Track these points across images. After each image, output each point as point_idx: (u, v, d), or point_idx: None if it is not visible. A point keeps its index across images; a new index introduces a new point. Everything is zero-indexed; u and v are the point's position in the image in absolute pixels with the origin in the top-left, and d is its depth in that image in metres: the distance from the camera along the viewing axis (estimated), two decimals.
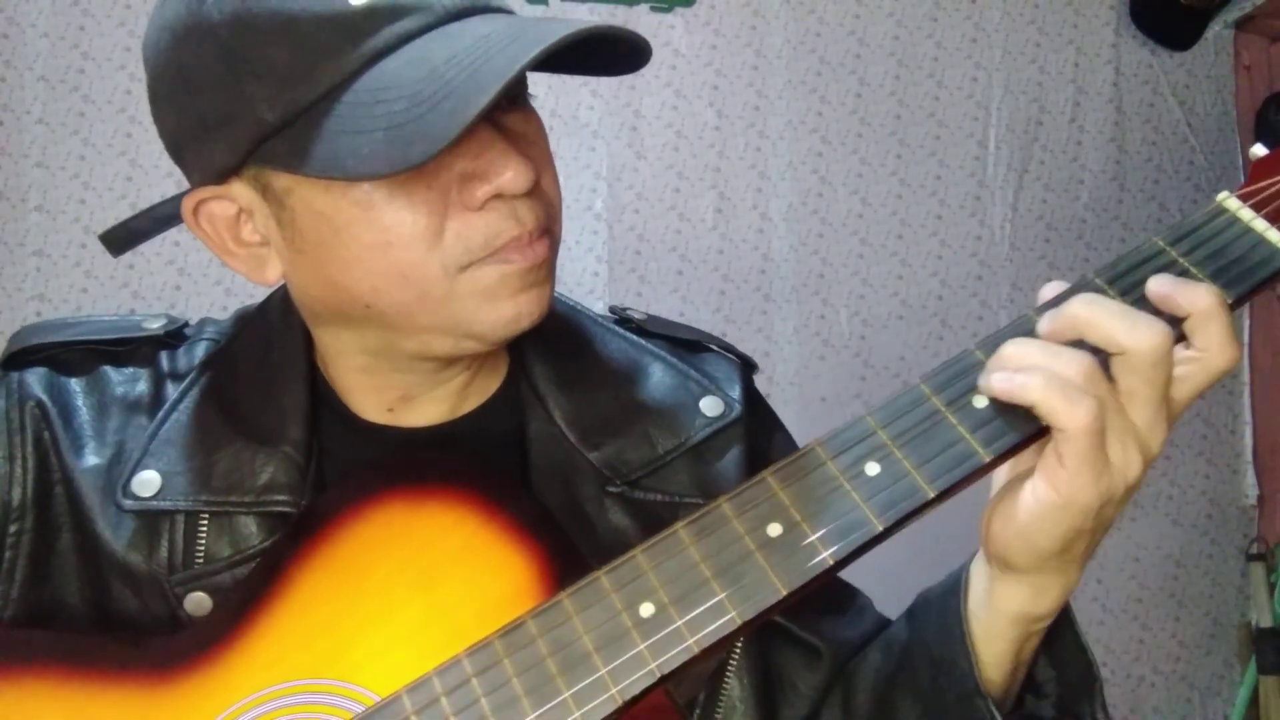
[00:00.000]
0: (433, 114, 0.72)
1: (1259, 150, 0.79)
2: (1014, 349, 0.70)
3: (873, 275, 3.04)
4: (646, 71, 2.80)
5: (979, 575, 0.82)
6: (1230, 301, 0.72)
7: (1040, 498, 0.70)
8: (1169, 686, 3.13)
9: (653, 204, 2.94)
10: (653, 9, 2.95)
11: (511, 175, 0.79)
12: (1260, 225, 0.74)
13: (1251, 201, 0.75)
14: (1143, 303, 0.72)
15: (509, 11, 0.84)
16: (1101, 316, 0.69)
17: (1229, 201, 0.76)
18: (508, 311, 0.84)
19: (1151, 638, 3.13)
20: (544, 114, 2.73)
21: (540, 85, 3.03)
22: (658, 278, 2.93)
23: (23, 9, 2.65)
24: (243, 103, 0.77)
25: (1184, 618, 3.15)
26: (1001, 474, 0.77)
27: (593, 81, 2.87)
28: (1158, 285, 0.71)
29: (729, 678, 0.95)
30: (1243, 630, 3.15)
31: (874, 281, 3.04)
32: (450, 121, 0.71)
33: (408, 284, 0.81)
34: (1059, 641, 0.85)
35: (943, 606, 0.85)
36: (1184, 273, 0.73)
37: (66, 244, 2.64)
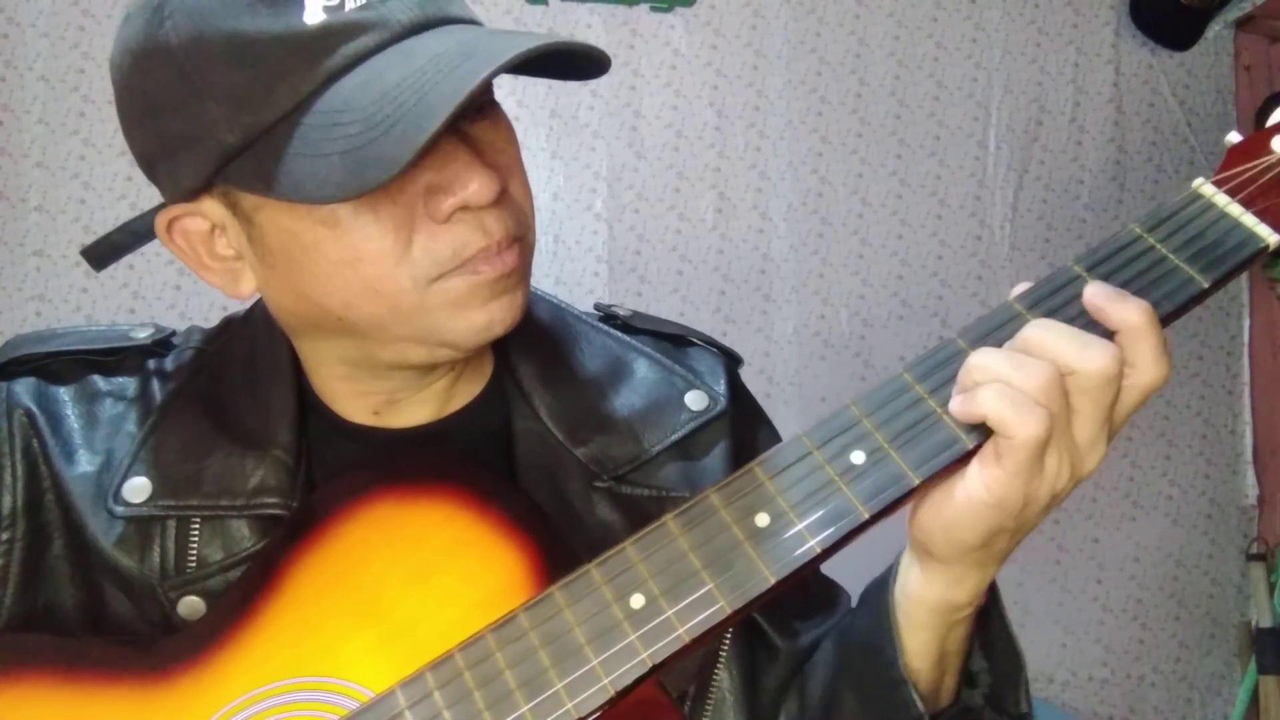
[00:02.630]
0: (385, 139, 0.72)
1: (1234, 137, 0.80)
2: (978, 359, 0.71)
3: (873, 275, 3.04)
4: (646, 71, 2.80)
5: (905, 565, 0.83)
6: (1207, 286, 0.73)
7: (970, 493, 0.71)
8: (1169, 686, 3.13)
9: (653, 204, 2.94)
10: (653, 9, 2.95)
11: (476, 187, 0.79)
12: (1235, 210, 0.75)
13: (1227, 187, 0.76)
14: (1127, 289, 0.73)
15: (470, 20, 0.83)
16: (1053, 340, 0.70)
17: (1204, 188, 0.77)
18: (479, 320, 0.84)
19: (1151, 638, 3.13)
20: (544, 114, 2.72)
21: (540, 84, 3.02)
22: (658, 278, 2.93)
23: (23, 9, 2.65)
24: (204, 125, 0.77)
25: (1184, 618, 3.15)
26: None
27: (592, 81, 2.87)
28: (1092, 295, 0.72)
29: (719, 669, 0.96)
30: (1243, 630, 3.15)
31: (874, 281, 3.04)
32: (401, 147, 0.71)
33: (378, 298, 0.82)
34: (990, 632, 0.87)
35: (876, 595, 0.86)
36: (1161, 259, 0.74)
37: (66, 244, 2.64)
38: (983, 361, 0.70)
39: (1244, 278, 3.24)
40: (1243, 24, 3.22)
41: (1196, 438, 3.19)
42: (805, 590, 1.02)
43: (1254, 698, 2.96)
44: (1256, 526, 3.21)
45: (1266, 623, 3.03)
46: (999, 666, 0.87)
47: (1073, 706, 3.05)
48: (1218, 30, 3.21)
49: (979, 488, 0.71)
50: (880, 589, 0.86)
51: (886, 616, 0.83)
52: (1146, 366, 0.70)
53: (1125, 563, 3.13)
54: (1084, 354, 0.69)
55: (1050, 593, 3.08)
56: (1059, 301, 0.73)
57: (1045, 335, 0.70)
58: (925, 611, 0.80)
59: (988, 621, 0.86)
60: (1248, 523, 3.22)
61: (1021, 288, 0.76)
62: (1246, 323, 3.24)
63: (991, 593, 0.84)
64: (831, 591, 1.05)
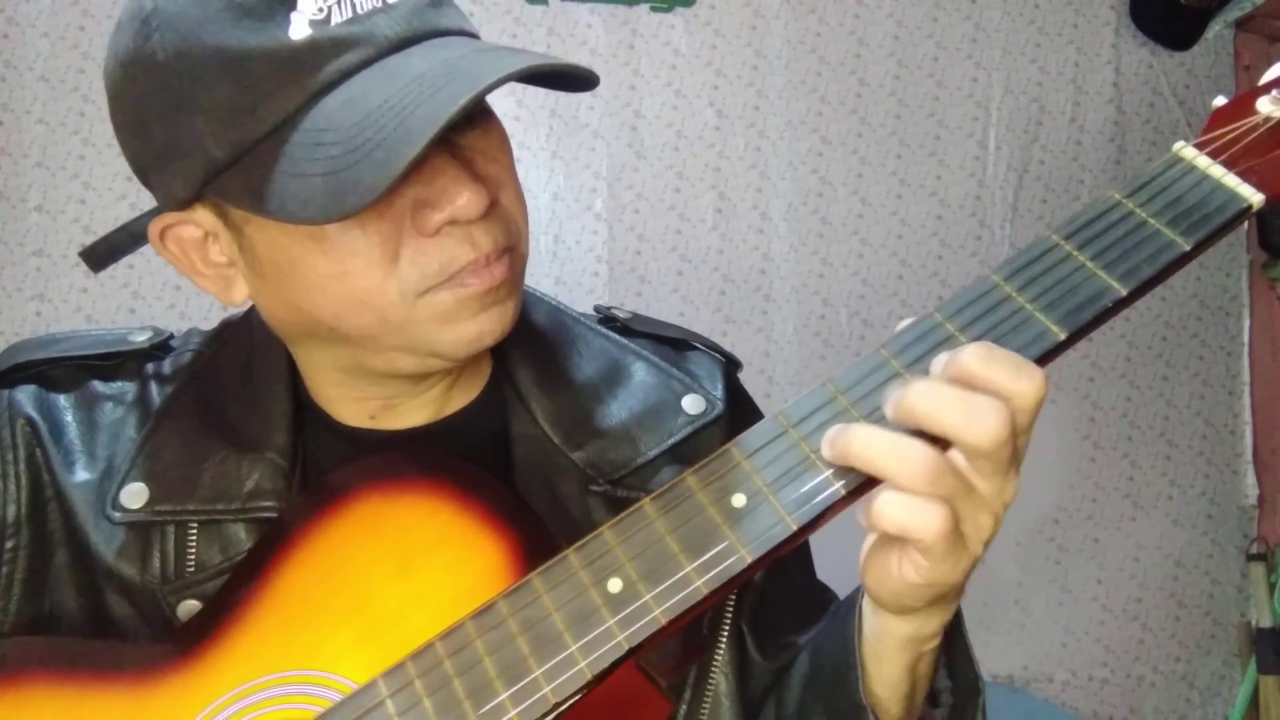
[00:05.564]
0: (364, 164, 0.71)
1: (1219, 100, 0.79)
2: (861, 447, 0.66)
3: (873, 275, 3.04)
4: (646, 71, 2.80)
5: (869, 608, 0.81)
6: (1189, 249, 0.72)
7: (907, 578, 0.70)
8: (1169, 686, 3.13)
9: (653, 204, 2.95)
10: (653, 9, 2.95)
11: (464, 202, 0.78)
12: (1217, 171, 0.74)
13: (1209, 149, 0.75)
14: (1107, 255, 0.72)
15: (458, 31, 0.83)
16: (938, 410, 0.65)
17: (1185, 150, 0.76)
18: (469, 332, 0.84)
19: (1151, 638, 3.13)
20: (544, 114, 2.72)
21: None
22: (658, 278, 2.93)
23: (23, 9, 2.66)
24: (192, 138, 0.77)
25: (1184, 618, 3.15)
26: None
27: None
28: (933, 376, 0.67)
29: (714, 672, 0.96)
30: (1243, 630, 3.15)
31: (874, 281, 3.04)
32: (380, 174, 0.70)
33: (367, 310, 0.81)
34: (953, 651, 0.86)
35: (844, 617, 0.85)
36: (1142, 224, 0.73)
37: (66, 244, 2.65)
38: (864, 451, 0.66)
39: (1244, 278, 3.24)
40: (1243, 24, 3.22)
41: (1196, 438, 3.19)
42: (793, 600, 1.02)
43: (1254, 698, 2.96)
44: (1256, 526, 3.20)
45: (1266, 623, 3.04)
46: (962, 686, 0.87)
47: (1073, 706, 3.04)
48: (1218, 30, 3.21)
49: (911, 573, 0.69)
50: (847, 610, 0.84)
51: (850, 641, 0.82)
52: (1013, 387, 0.66)
53: (1125, 563, 3.12)
54: (971, 425, 0.64)
55: (1050, 593, 3.08)
56: (1039, 270, 0.72)
57: (929, 404, 0.65)
58: (893, 650, 0.79)
59: (952, 641, 0.85)
60: (1248, 523, 3.21)
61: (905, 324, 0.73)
62: (1246, 323, 3.24)
63: (955, 614, 0.82)
64: (823, 599, 1.04)
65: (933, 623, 0.77)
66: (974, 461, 0.66)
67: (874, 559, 0.74)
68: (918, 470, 0.64)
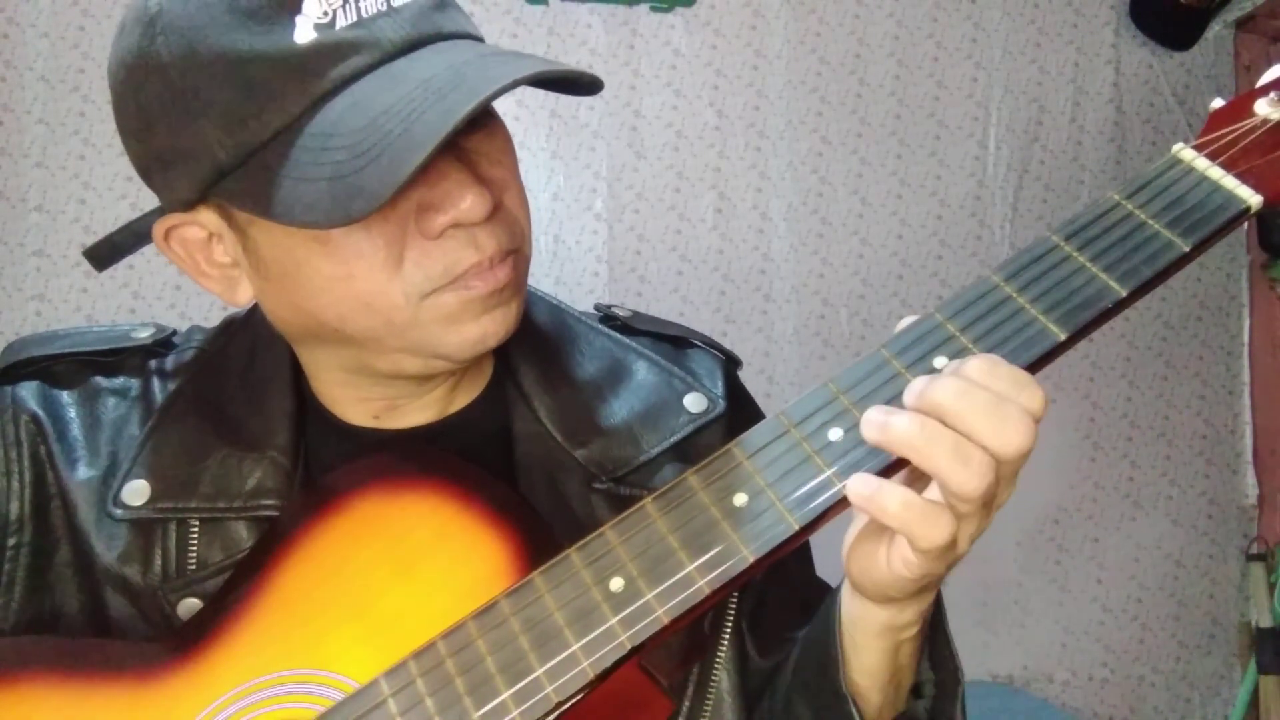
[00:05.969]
0: (370, 169, 0.71)
1: (1217, 102, 0.79)
2: (919, 437, 0.65)
3: (872, 275, 3.03)
4: (646, 71, 2.79)
5: (848, 594, 0.82)
6: (1188, 249, 0.72)
7: (896, 571, 0.71)
8: (1169, 686, 3.13)
9: (653, 204, 2.94)
10: (653, 9, 2.95)
11: (468, 205, 0.79)
12: (1215, 173, 0.74)
13: (1207, 151, 0.76)
14: (1107, 255, 0.72)
15: (463, 34, 0.83)
16: (970, 411, 0.65)
17: (1184, 152, 0.76)
18: (472, 334, 0.84)
19: (1151, 638, 3.12)
20: (544, 114, 2.71)
21: None
22: (658, 278, 2.93)
23: (23, 9, 2.66)
24: (197, 142, 0.77)
25: (1184, 618, 3.15)
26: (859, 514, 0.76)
27: None
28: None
29: (717, 670, 0.96)
30: (1243, 630, 3.15)
31: (874, 281, 3.04)
32: (384, 180, 0.70)
33: (372, 311, 0.82)
34: (935, 643, 0.86)
35: (828, 608, 0.85)
36: (1141, 225, 0.73)
37: (66, 244, 2.64)
38: (922, 443, 0.65)
39: (1244, 278, 3.24)
40: (1243, 24, 3.22)
41: (1196, 438, 3.19)
42: (793, 598, 1.02)
43: (1254, 698, 2.96)
44: (1256, 526, 3.20)
45: (1266, 623, 3.03)
46: (944, 678, 0.87)
47: (1073, 706, 3.04)
48: (1218, 30, 3.21)
49: (901, 568, 0.70)
50: (830, 602, 0.85)
51: (832, 631, 0.83)
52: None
53: (1125, 563, 3.12)
54: (1001, 436, 0.65)
55: (1050, 593, 3.07)
56: (1039, 270, 0.73)
57: (959, 406, 0.65)
58: (871, 635, 0.80)
59: (934, 631, 0.86)
60: (1248, 523, 3.21)
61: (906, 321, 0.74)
62: (1246, 323, 3.24)
63: (937, 604, 0.84)
64: (822, 596, 1.04)
65: (909, 611, 0.77)
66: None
67: (862, 548, 0.74)
68: (978, 485, 0.65)
